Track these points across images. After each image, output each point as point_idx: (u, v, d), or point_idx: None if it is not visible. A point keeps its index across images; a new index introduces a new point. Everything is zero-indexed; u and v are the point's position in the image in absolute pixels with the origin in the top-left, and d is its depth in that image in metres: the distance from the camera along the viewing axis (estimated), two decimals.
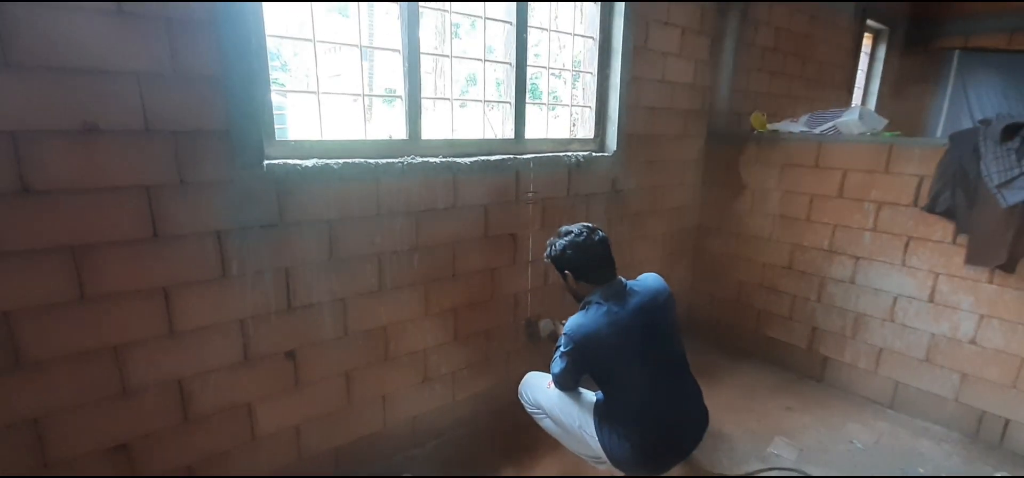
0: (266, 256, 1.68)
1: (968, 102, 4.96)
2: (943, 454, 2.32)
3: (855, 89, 4.89)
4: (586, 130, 2.73)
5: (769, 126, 3.00)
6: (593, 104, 2.68)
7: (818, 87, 4.10)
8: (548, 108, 2.60)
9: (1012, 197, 2.07)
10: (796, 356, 2.99)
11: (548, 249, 1.88)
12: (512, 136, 2.37)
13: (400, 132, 2.03)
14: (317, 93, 1.79)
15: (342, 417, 1.99)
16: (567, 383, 1.87)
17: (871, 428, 2.50)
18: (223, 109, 1.52)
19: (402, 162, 1.91)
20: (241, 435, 1.77)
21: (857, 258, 2.69)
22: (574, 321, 1.73)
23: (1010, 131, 2.10)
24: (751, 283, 3.15)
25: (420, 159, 1.96)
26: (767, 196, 3.01)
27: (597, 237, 1.79)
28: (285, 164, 1.66)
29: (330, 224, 1.79)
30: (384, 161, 1.87)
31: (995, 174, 2.12)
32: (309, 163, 1.70)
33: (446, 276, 2.15)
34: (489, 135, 2.35)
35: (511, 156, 2.25)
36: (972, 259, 2.25)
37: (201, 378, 1.64)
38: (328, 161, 1.74)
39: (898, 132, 2.64)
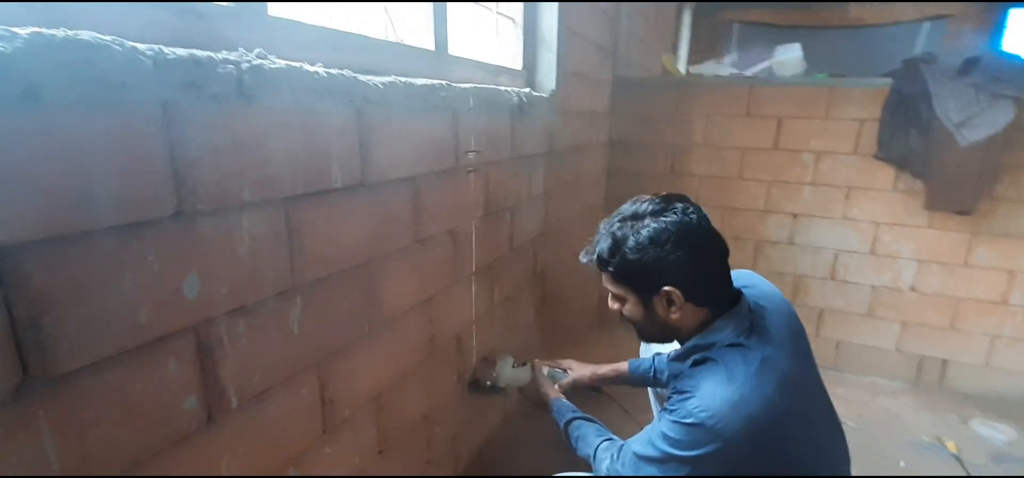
0: None
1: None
2: (902, 407, 2.20)
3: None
4: (510, 56, 1.78)
5: (692, 69, 2.51)
6: (519, 15, 1.74)
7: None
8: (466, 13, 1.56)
9: (971, 135, 1.94)
10: None
11: (606, 244, 0.94)
12: (432, 45, 1.28)
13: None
14: None
15: None
16: None
17: (837, 398, 2.25)
18: None
19: (237, 63, 0.69)
20: None
21: (795, 216, 2.42)
22: (714, 397, 0.83)
23: (968, 65, 1.96)
24: None
25: (281, 62, 0.76)
26: (688, 153, 2.54)
27: (703, 219, 0.93)
28: None
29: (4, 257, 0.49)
30: (183, 54, 0.63)
31: (953, 111, 1.97)
32: None
33: (357, 335, 0.99)
34: (391, 37, 1.22)
35: (444, 83, 1.17)
36: (933, 204, 2.12)
37: None
38: None
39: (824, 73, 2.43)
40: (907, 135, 2.10)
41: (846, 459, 1.02)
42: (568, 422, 1.18)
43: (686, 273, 0.89)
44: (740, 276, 1.08)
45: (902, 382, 2.39)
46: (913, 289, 2.29)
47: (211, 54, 0.66)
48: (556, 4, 1.75)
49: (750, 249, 2.52)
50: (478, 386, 1.48)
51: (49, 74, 0.50)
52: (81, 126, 0.54)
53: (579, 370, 1.43)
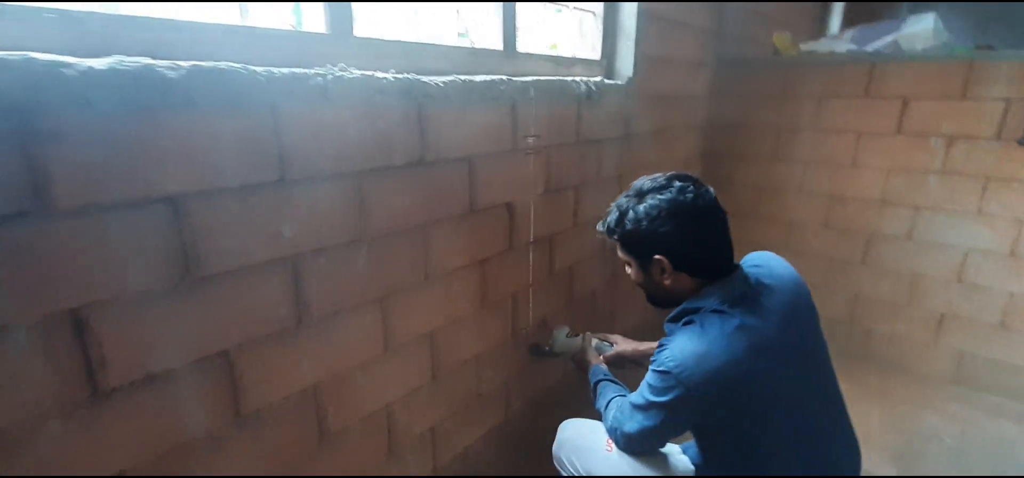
0: (14, 292, 0.70)
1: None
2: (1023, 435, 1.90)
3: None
4: (589, 47, 1.91)
5: (805, 46, 2.35)
6: (599, 8, 1.85)
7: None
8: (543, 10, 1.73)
9: None
10: (832, 330, 2.46)
11: (614, 216, 1.08)
12: (501, 46, 1.49)
13: (316, 20, 1.08)
14: None
15: None
16: (652, 447, 1.11)
17: (946, 414, 2.03)
18: None
19: (322, 75, 0.97)
20: None
21: (917, 208, 2.16)
22: (683, 349, 0.94)
23: None
24: (774, 245, 2.56)
25: (358, 72, 1.03)
26: (797, 137, 2.40)
27: (709, 197, 1.02)
28: (30, 62, 0.66)
29: (175, 205, 0.83)
30: (286, 72, 0.92)
31: None
32: (100, 65, 0.72)
33: (414, 282, 1.26)
34: (464, 43, 1.45)
35: (504, 78, 1.37)
36: None
37: None
38: (152, 62, 0.76)
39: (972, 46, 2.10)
40: None
41: (844, 443, 1.04)
42: (597, 382, 1.33)
43: (675, 245, 1.00)
44: (757, 256, 1.13)
45: None
46: None
47: (305, 70, 0.96)
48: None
49: (860, 243, 2.32)
50: (537, 350, 1.68)
51: (201, 90, 0.81)
52: (219, 121, 0.85)
53: (623, 344, 1.55)
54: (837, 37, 2.28)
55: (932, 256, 2.17)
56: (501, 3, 1.46)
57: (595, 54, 1.89)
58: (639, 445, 1.09)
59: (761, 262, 1.11)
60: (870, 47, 2.18)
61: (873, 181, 2.24)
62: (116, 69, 0.73)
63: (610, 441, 1.16)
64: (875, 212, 2.26)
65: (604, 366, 1.44)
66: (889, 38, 2.12)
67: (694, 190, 1.00)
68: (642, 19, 1.87)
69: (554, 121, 1.59)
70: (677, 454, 1.16)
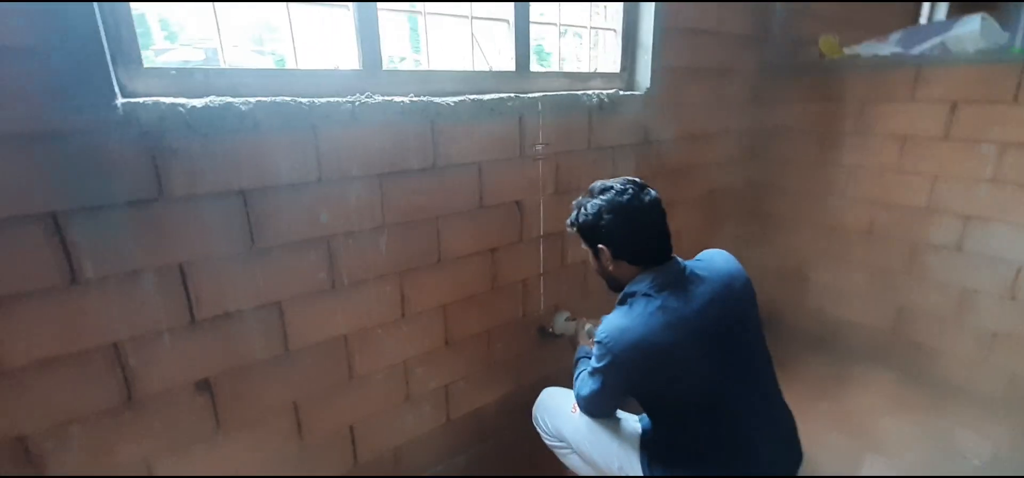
0: (143, 249, 1.10)
1: None
2: None
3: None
4: (610, 62, 2.10)
5: (846, 50, 2.33)
6: (619, 25, 2.03)
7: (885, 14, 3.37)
8: (559, 29, 1.95)
9: None
10: (874, 342, 2.40)
11: (574, 213, 1.30)
12: (513, 67, 1.75)
13: (351, 59, 1.42)
14: None
15: (292, 461, 1.45)
16: (601, 408, 1.32)
17: (982, 433, 1.93)
18: (33, 10, 0.92)
19: (351, 102, 1.31)
20: None
21: (967, 218, 2.06)
22: (612, 323, 1.16)
23: None
24: (815, 251, 2.54)
25: (380, 97, 1.35)
26: (840, 142, 2.37)
27: (648, 197, 1.20)
28: (157, 105, 1.06)
29: (245, 196, 1.20)
30: (323, 100, 1.26)
31: None
32: (199, 103, 1.10)
33: (428, 263, 1.57)
34: (482, 67, 1.73)
35: (512, 95, 1.63)
36: None
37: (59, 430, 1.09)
38: (230, 100, 1.14)
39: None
40: None
41: (768, 419, 1.19)
42: (578, 359, 1.54)
43: (613, 237, 1.20)
44: (707, 253, 1.28)
45: None
46: None
47: (338, 98, 1.29)
48: (652, 8, 1.97)
49: (904, 252, 2.25)
50: (543, 332, 1.92)
51: (263, 117, 1.18)
52: (275, 138, 1.21)
53: None
54: (881, 40, 2.23)
55: (983, 270, 2.05)
56: (514, 29, 1.71)
57: (615, 67, 2.07)
58: (590, 406, 1.30)
59: (705, 257, 1.26)
60: (916, 50, 2.11)
61: (919, 188, 2.17)
62: (208, 106, 1.11)
63: (575, 405, 1.38)
64: (921, 221, 2.18)
65: (589, 346, 1.64)
66: (936, 40, 2.04)
67: (633, 192, 1.19)
68: (659, 33, 2.01)
69: (564, 130, 1.81)
70: (630, 419, 1.35)
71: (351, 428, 1.55)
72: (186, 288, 1.17)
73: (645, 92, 2.05)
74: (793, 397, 2.13)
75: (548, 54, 2.18)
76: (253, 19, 1.90)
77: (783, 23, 2.56)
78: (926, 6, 3.79)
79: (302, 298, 1.34)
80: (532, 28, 1.75)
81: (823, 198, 2.46)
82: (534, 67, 1.80)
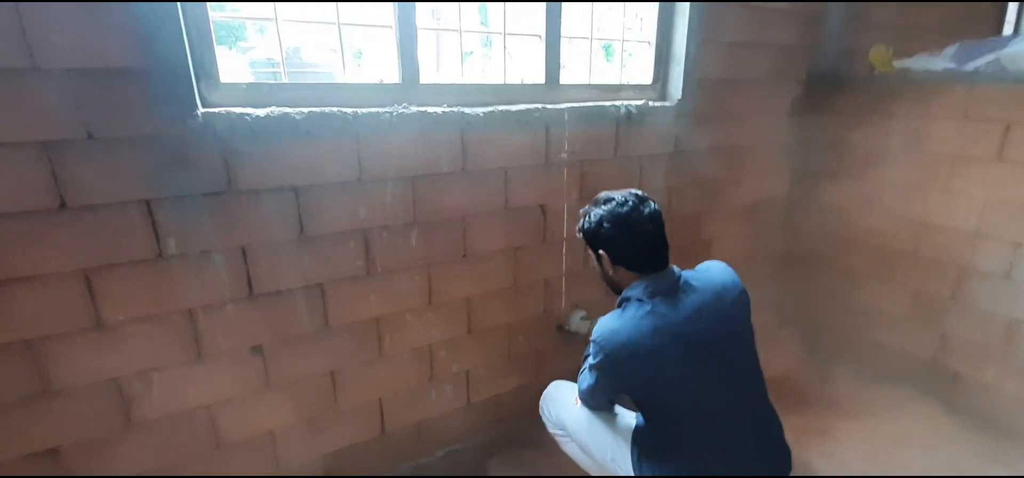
0: (213, 232, 1.33)
1: None
2: None
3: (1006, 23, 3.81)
4: (642, 73, 2.16)
5: (896, 64, 2.25)
6: (652, 37, 2.10)
7: (958, 20, 3.17)
8: (591, 43, 2.05)
9: None
10: (915, 368, 2.32)
11: (581, 220, 1.41)
12: (543, 81, 1.87)
13: (393, 74, 1.60)
14: (275, 21, 1.39)
15: (328, 422, 1.67)
16: (595, 401, 1.43)
17: (1017, 470, 1.84)
18: (139, 39, 1.15)
19: (390, 112, 1.48)
20: (201, 442, 1.48)
21: (1017, 245, 1.96)
22: (605, 324, 1.26)
23: None
24: (857, 271, 2.48)
25: (415, 108, 1.53)
26: (887, 158, 2.30)
27: (647, 209, 1.29)
28: (229, 114, 1.28)
29: (297, 192, 1.41)
30: (365, 111, 1.45)
31: None
32: (262, 113, 1.31)
33: (454, 258, 1.73)
34: (513, 80, 1.87)
35: (539, 106, 1.75)
36: None
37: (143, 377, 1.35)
38: (287, 110, 1.34)
39: None
40: None
41: (749, 426, 1.26)
42: (585, 356, 1.65)
43: (612, 244, 1.30)
44: (705, 263, 1.35)
45: None
46: None
47: (379, 109, 1.48)
48: (685, 22, 2.03)
49: (950, 277, 2.16)
50: (561, 329, 2.04)
51: (315, 126, 1.38)
52: (324, 143, 1.41)
53: None
54: (934, 54, 2.14)
55: None
56: (544, 45, 1.83)
57: (647, 79, 2.14)
58: (587, 399, 1.42)
59: (702, 268, 1.34)
60: (970, 66, 2.02)
61: (968, 210, 2.08)
62: (270, 115, 1.32)
63: (577, 398, 1.49)
64: (969, 245, 2.09)
65: None
66: (990, 56, 1.95)
67: (633, 203, 1.28)
68: (693, 46, 2.06)
69: (591, 140, 1.91)
70: (627, 414, 1.44)
71: (380, 400, 1.74)
72: (247, 267, 1.39)
73: (677, 103, 2.10)
74: (822, 420, 2.14)
75: (580, 67, 2.28)
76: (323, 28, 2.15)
77: (836, 33, 2.50)
78: (1013, 7, 3.51)
79: (341, 281, 1.55)
80: (565, 43, 1.86)
81: (867, 216, 2.40)
82: (564, 80, 1.91)
